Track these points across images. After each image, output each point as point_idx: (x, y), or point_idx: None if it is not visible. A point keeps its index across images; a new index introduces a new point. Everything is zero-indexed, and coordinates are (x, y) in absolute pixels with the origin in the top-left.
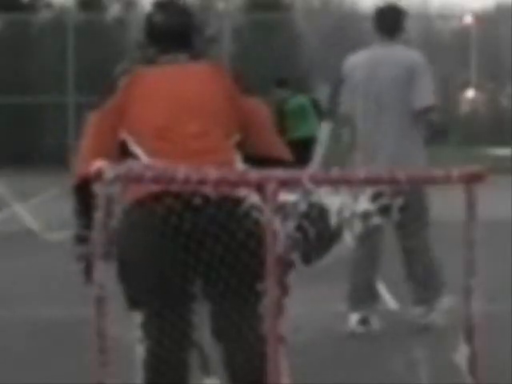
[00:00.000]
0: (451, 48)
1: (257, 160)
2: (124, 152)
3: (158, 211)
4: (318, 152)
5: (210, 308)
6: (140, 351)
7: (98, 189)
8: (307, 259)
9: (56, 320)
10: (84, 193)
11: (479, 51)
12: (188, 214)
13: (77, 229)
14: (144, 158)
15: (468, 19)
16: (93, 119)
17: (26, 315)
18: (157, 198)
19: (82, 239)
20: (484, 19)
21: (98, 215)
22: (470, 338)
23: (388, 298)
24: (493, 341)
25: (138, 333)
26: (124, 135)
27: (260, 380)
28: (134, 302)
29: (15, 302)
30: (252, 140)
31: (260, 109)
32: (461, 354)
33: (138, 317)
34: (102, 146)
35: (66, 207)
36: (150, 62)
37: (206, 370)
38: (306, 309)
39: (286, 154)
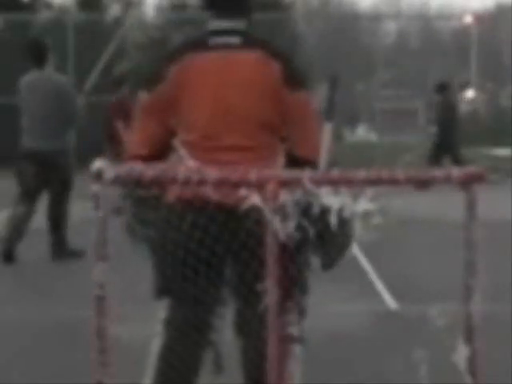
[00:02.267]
0: (451, 48)
1: (287, 157)
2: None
3: (206, 209)
4: (323, 155)
5: (236, 302)
6: (156, 345)
7: (98, 189)
8: (326, 264)
9: (56, 320)
10: None
11: (479, 51)
12: (222, 215)
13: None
14: (183, 153)
15: (468, 19)
16: (144, 102)
17: (25, 315)
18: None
19: (118, 210)
20: (484, 19)
21: (98, 215)
22: (469, 338)
23: (388, 298)
24: (493, 341)
25: (158, 327)
26: (174, 125)
27: None
28: (161, 291)
29: (15, 302)
30: (287, 137)
31: (302, 105)
32: (460, 354)
33: (160, 311)
34: (148, 130)
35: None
36: (199, 43)
37: (218, 367)
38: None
39: (312, 155)
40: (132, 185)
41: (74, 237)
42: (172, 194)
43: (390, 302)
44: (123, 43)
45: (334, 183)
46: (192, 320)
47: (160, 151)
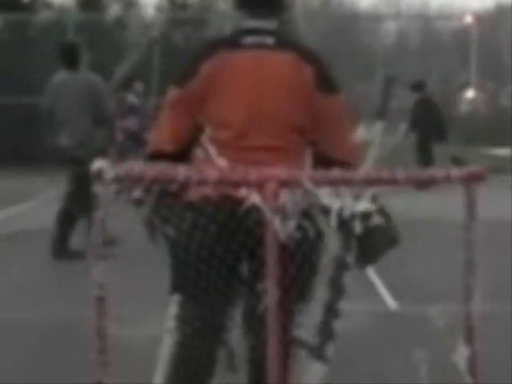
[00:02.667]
0: (451, 48)
1: (321, 160)
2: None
3: (225, 208)
4: (372, 153)
5: (248, 300)
6: (168, 342)
7: (97, 189)
8: (362, 262)
9: (56, 320)
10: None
11: (479, 51)
12: (246, 215)
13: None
14: (212, 150)
15: (468, 19)
16: (172, 96)
17: (25, 315)
18: (225, 198)
19: (138, 202)
20: (484, 19)
21: (98, 215)
22: (469, 338)
23: (388, 298)
24: (493, 341)
25: (170, 323)
26: (201, 121)
27: None
28: (176, 286)
29: (15, 302)
30: (320, 140)
31: (335, 109)
32: (460, 355)
33: (173, 307)
34: (177, 126)
35: None
36: (233, 41)
37: (232, 367)
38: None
39: (349, 156)
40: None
41: (74, 237)
42: (195, 192)
43: (390, 302)
44: (123, 43)
45: (334, 183)
46: (208, 318)
47: (186, 147)
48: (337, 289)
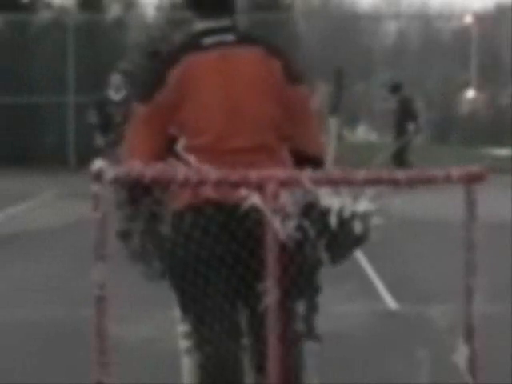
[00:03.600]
0: (451, 48)
1: (292, 154)
2: (169, 148)
3: (216, 217)
4: (330, 149)
5: (250, 304)
6: (189, 363)
7: (98, 189)
8: (335, 259)
9: (56, 320)
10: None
11: (479, 51)
12: (245, 221)
13: (119, 223)
14: (191, 159)
15: (468, 19)
16: (142, 113)
17: (25, 316)
18: (215, 204)
19: (124, 234)
20: (484, 19)
21: (98, 215)
22: (469, 338)
23: (388, 298)
24: (493, 341)
25: (184, 343)
26: (174, 131)
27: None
28: (186, 305)
29: (15, 302)
30: (292, 134)
31: (303, 100)
32: (460, 355)
33: (182, 326)
34: (152, 143)
35: (66, 207)
36: (194, 44)
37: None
38: None
39: (319, 151)
40: (141, 203)
41: (73, 237)
42: (182, 200)
43: (390, 302)
44: (123, 43)
45: (334, 183)
46: (225, 333)
47: (159, 161)
48: (314, 285)
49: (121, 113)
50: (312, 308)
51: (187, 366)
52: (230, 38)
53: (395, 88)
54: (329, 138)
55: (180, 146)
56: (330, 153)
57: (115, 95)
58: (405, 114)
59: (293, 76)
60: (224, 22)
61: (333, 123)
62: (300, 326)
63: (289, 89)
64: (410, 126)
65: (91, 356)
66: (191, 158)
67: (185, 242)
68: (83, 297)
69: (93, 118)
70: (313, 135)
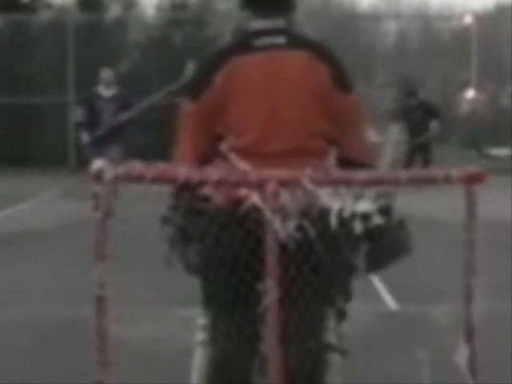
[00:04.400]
0: (451, 48)
1: (339, 162)
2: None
3: (250, 216)
4: (388, 153)
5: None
6: (202, 355)
7: (98, 189)
8: (372, 267)
9: (56, 320)
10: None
11: (479, 51)
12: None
13: (166, 211)
14: (235, 159)
15: (468, 19)
16: (189, 111)
17: (25, 316)
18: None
19: (164, 220)
20: (484, 19)
21: (98, 215)
22: (469, 338)
23: (388, 298)
24: (493, 341)
25: (200, 335)
26: (221, 131)
27: None
28: (209, 300)
29: (15, 302)
30: (339, 140)
31: (352, 108)
32: (461, 354)
33: (202, 319)
34: (198, 141)
35: (66, 207)
36: (244, 45)
37: (264, 372)
38: None
39: (367, 157)
40: (186, 194)
41: (73, 237)
42: (221, 197)
43: (390, 302)
44: (123, 43)
45: (334, 183)
46: (243, 332)
47: (207, 160)
48: (345, 293)
49: (110, 109)
50: (340, 316)
51: (199, 358)
52: (281, 40)
53: (411, 92)
54: (387, 144)
55: (224, 146)
56: (386, 158)
57: (105, 91)
58: (428, 112)
59: (341, 83)
60: (278, 22)
61: (393, 129)
62: (328, 337)
63: (336, 96)
64: (433, 124)
65: (91, 356)
66: (233, 157)
67: (219, 238)
68: (83, 297)
69: (78, 115)
70: (361, 142)
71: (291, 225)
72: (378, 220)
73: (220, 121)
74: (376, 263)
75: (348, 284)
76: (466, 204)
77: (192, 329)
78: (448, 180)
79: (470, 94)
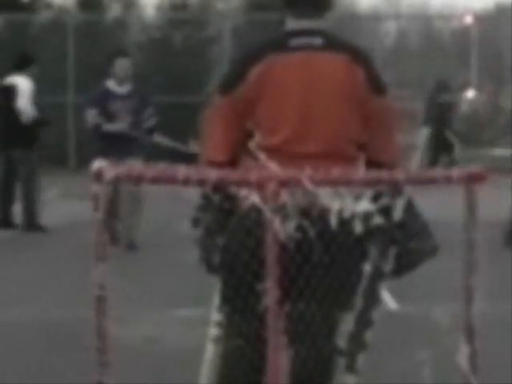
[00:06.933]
0: (451, 48)
1: (370, 164)
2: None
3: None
4: (417, 156)
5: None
6: (213, 350)
7: (98, 189)
8: (399, 271)
9: (56, 320)
10: None
11: (479, 51)
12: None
13: (195, 212)
14: (262, 158)
15: (468, 19)
16: (219, 105)
17: (26, 316)
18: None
19: (194, 221)
20: (484, 19)
21: (98, 215)
22: (470, 338)
23: (388, 298)
24: (493, 341)
25: (213, 331)
26: (251, 127)
27: None
28: (226, 298)
29: (15, 302)
30: (368, 142)
31: (385, 112)
32: (461, 354)
33: (216, 315)
34: (231, 135)
35: (66, 207)
36: (280, 44)
37: None
38: None
39: (394, 158)
40: (214, 195)
41: (73, 237)
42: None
43: (391, 302)
44: (123, 43)
45: (334, 183)
46: (257, 330)
47: (237, 155)
48: (371, 298)
49: (127, 109)
50: (366, 323)
51: (211, 354)
52: (317, 41)
53: (443, 87)
54: (417, 147)
55: (253, 143)
56: (415, 161)
57: (118, 88)
58: (449, 108)
59: (376, 86)
60: (316, 23)
61: (423, 133)
62: (342, 343)
63: (371, 99)
64: (454, 119)
65: (91, 356)
66: (261, 156)
67: (244, 239)
68: (83, 297)
69: (91, 118)
70: (389, 143)
71: (309, 225)
72: (378, 220)
73: (251, 116)
74: (404, 266)
75: (375, 289)
76: (466, 204)
77: (192, 329)
78: (448, 180)
79: (470, 94)
